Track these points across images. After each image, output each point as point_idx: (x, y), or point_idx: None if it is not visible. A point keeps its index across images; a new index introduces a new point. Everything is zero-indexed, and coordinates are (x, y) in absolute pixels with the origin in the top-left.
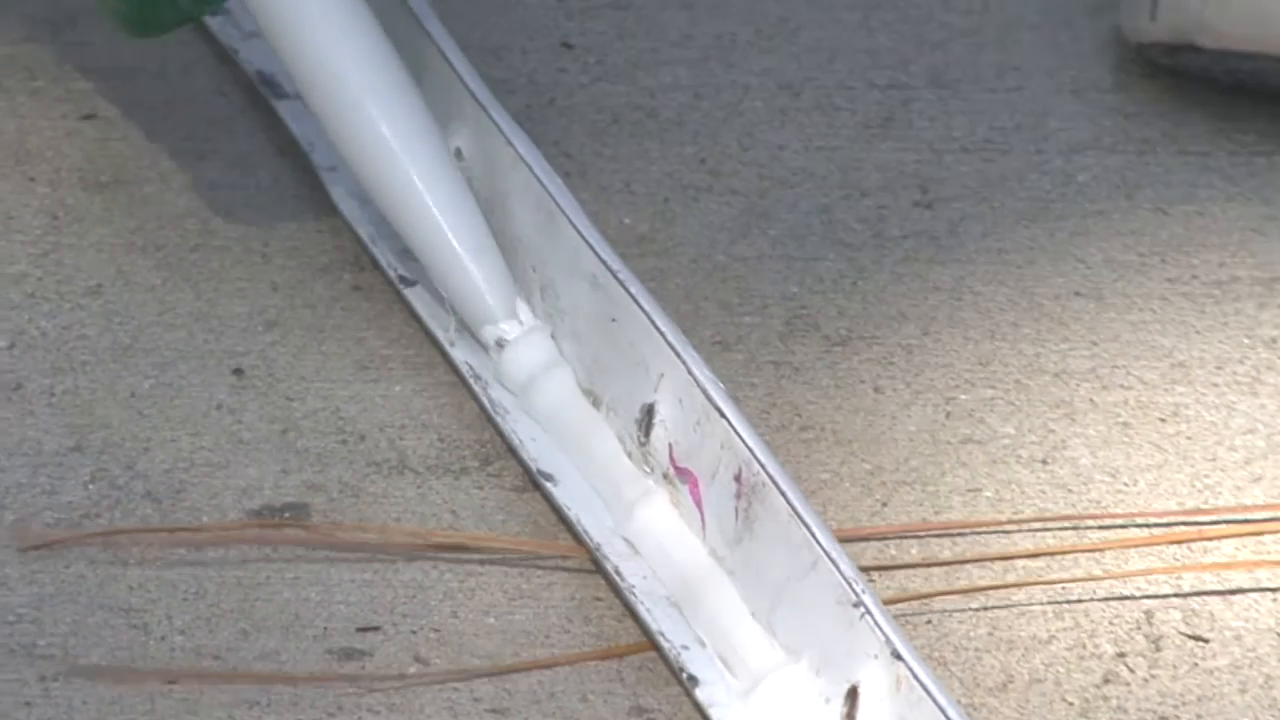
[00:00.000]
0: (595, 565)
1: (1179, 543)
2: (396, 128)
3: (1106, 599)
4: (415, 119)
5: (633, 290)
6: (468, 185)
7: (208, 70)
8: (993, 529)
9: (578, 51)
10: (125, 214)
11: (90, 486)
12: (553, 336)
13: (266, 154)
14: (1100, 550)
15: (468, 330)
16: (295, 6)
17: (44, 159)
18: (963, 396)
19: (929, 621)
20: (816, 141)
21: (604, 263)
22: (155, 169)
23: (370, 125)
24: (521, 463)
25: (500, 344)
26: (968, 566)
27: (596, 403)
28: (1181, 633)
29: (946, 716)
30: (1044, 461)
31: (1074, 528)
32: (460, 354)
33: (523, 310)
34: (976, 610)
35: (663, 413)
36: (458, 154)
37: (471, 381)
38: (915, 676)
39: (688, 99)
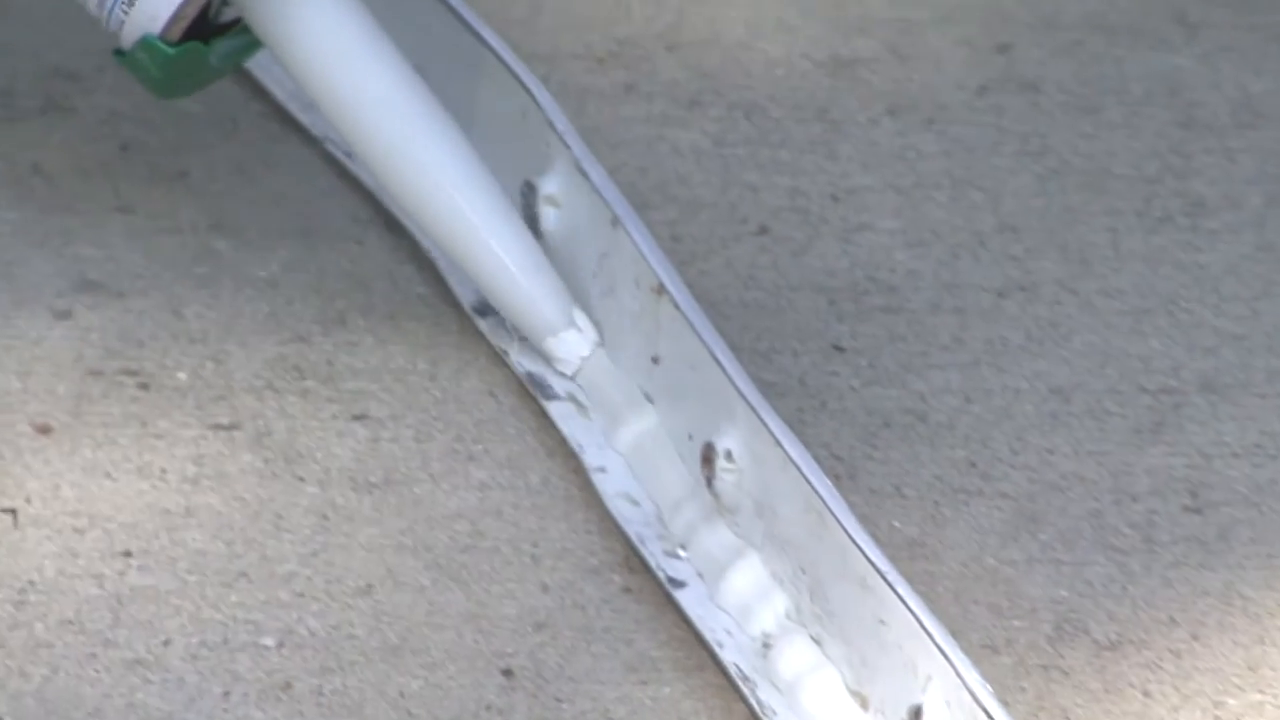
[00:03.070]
0: None
1: None
2: (447, 168)
3: None
4: (463, 159)
5: (901, 592)
6: (516, 213)
7: (479, 371)
8: None
9: (849, 355)
10: (395, 514)
11: None
12: (817, 639)
13: (537, 455)
14: None
15: (531, 348)
16: (322, 36)
17: (314, 459)
18: (1231, 701)
19: None
20: (1087, 446)
21: (873, 565)
22: (425, 470)
23: (425, 170)
24: None
25: (768, 645)
26: None
27: (864, 704)
28: None
29: None
30: None
31: None
32: (730, 655)
33: (579, 318)
34: None
35: (930, 714)
36: (727, 455)
37: (740, 683)
38: None
39: (959, 403)
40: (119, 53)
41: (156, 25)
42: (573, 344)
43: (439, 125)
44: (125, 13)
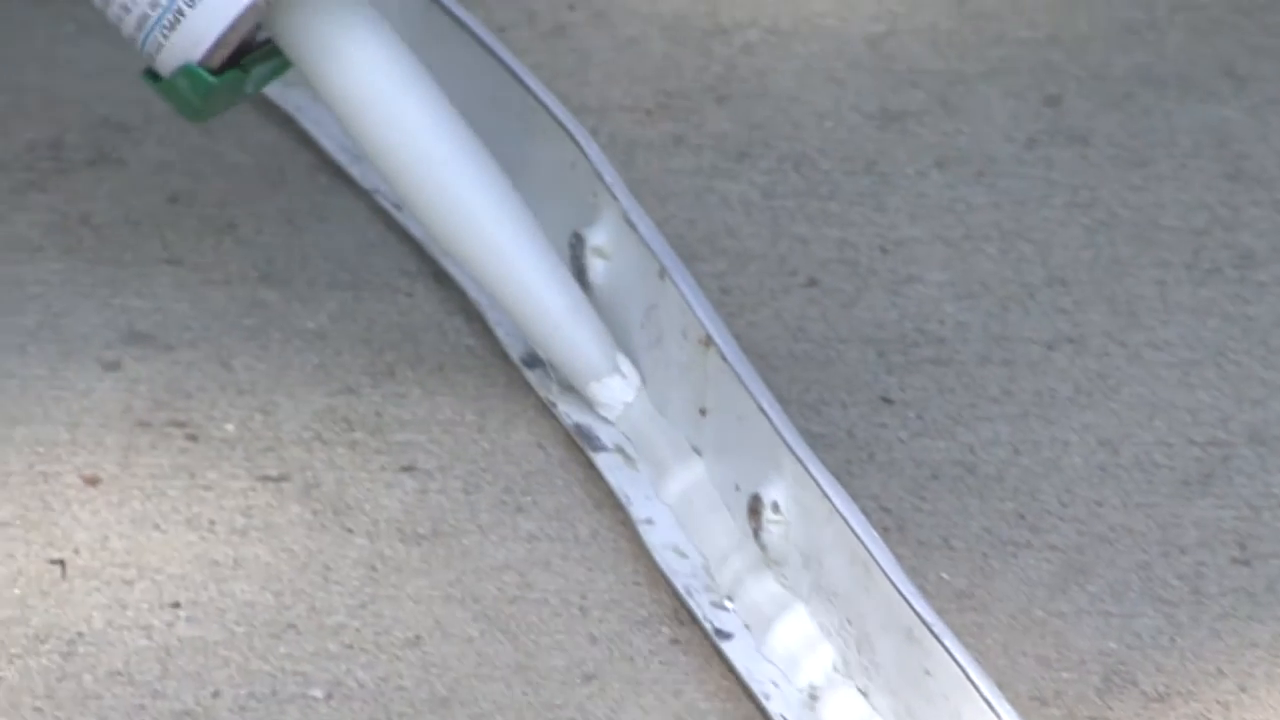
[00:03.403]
0: None
1: None
2: (488, 205)
3: None
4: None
5: (948, 644)
6: (559, 258)
7: (527, 423)
8: None
9: (898, 407)
10: (443, 566)
11: None
12: (863, 691)
13: (585, 507)
14: None
15: (578, 400)
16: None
17: (362, 511)
18: None
19: None
20: (1135, 498)
21: (919, 616)
22: (474, 521)
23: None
24: None
25: (815, 696)
26: None
27: None
28: None
29: None
30: None
31: None
32: (777, 707)
33: (623, 363)
34: None
35: None
36: (774, 507)
37: None
38: None
39: (1007, 455)
40: (153, 77)
41: (198, 52)
42: (616, 389)
43: (464, 142)
44: (165, 37)
